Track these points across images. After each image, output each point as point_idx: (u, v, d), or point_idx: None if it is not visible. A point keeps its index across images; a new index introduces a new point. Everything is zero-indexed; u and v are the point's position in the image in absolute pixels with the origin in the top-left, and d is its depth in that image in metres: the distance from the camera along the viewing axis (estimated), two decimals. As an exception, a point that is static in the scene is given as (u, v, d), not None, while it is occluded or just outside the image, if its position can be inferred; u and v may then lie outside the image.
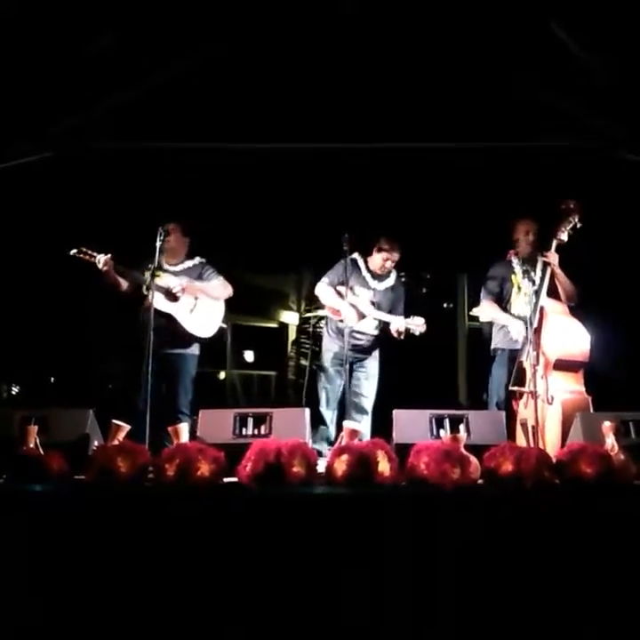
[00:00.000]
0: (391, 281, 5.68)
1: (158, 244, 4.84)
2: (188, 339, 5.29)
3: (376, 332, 5.61)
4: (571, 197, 5.03)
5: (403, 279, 5.50)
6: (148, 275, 5.05)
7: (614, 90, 5.37)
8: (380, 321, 5.56)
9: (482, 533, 3.32)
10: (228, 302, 5.55)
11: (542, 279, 4.89)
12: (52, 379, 7.74)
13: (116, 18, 5.14)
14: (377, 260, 5.60)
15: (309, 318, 5.78)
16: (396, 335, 5.46)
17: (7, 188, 5.74)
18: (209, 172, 6.30)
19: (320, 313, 5.70)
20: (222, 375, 10.59)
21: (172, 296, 5.20)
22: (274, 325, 10.59)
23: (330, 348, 5.60)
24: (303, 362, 9.20)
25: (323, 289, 5.62)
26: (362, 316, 5.49)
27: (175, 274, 5.32)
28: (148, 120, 5.68)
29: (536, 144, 5.85)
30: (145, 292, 5.16)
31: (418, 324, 5.41)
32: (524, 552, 3.29)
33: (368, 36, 5.32)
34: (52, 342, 7.08)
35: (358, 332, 5.50)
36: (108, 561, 3.35)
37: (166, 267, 5.33)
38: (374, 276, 5.56)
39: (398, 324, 5.42)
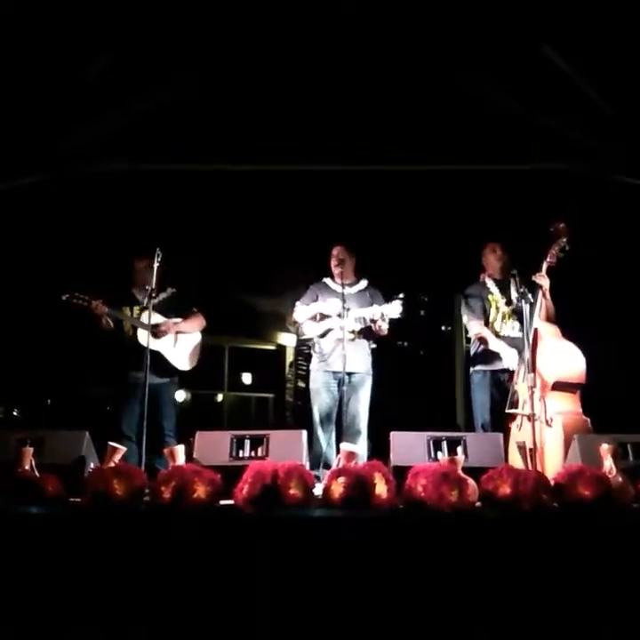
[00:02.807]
0: (362, 285, 5.68)
1: (156, 265, 4.87)
2: (173, 370, 5.52)
3: (363, 342, 5.54)
4: (560, 219, 5.08)
5: (402, 301, 5.42)
6: (130, 309, 5.43)
7: (610, 112, 5.41)
8: (362, 321, 5.51)
9: (480, 556, 3.30)
10: (226, 325, 5.62)
11: (530, 302, 4.90)
12: (49, 401, 7.73)
13: (114, 40, 5.17)
14: (332, 266, 5.62)
15: (307, 340, 5.74)
16: (375, 328, 5.42)
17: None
18: (206, 196, 6.34)
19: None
20: (220, 397, 10.58)
21: (156, 334, 5.36)
22: (271, 348, 10.60)
23: (318, 367, 5.57)
24: (301, 384, 9.20)
25: (298, 310, 5.65)
26: (340, 311, 5.38)
27: (154, 308, 5.39)
28: (142, 143, 5.73)
29: (531, 167, 5.90)
30: (125, 327, 5.43)
31: (393, 308, 5.34)
32: (523, 574, 3.27)
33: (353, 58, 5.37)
34: (48, 365, 7.08)
35: (343, 344, 5.38)
36: (104, 584, 3.32)
37: (141, 299, 5.46)
38: (342, 285, 5.50)
39: (372, 312, 5.40)
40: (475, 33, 5.18)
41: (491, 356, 5.30)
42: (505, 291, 5.41)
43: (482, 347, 5.39)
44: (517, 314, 5.22)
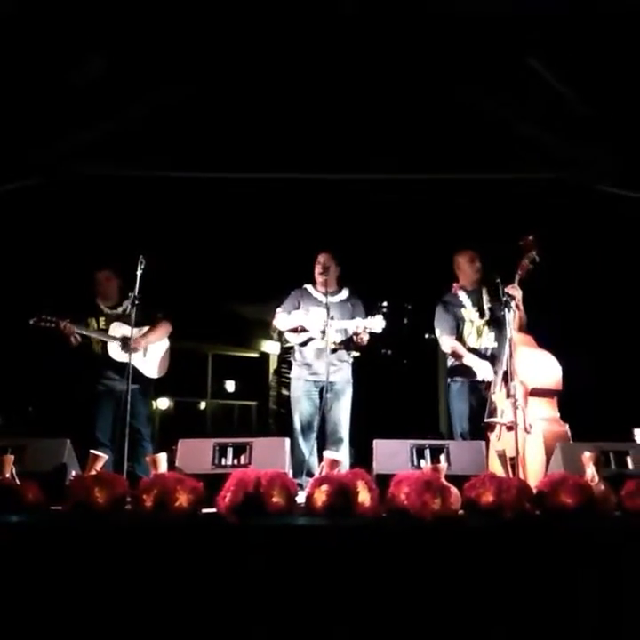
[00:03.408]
0: (344, 294, 5.66)
1: (139, 272, 4.85)
2: (145, 380, 5.57)
3: (343, 351, 5.52)
4: (529, 232, 5.12)
5: (385, 310, 5.44)
6: (95, 320, 5.51)
7: (593, 122, 5.45)
8: (344, 333, 5.51)
9: (463, 564, 3.30)
10: (210, 332, 5.64)
11: (508, 313, 4.92)
12: (31, 408, 7.66)
13: (107, 43, 5.14)
14: (316, 273, 5.59)
15: (291, 348, 5.73)
16: (356, 340, 5.42)
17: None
18: (188, 203, 6.33)
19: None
20: (203, 405, 10.55)
21: (127, 347, 5.32)
22: (255, 355, 10.58)
23: (299, 375, 5.56)
24: (285, 391, 9.18)
25: (278, 317, 5.63)
26: (323, 327, 5.39)
27: (118, 318, 5.51)
28: (124, 149, 5.72)
29: (511, 176, 5.94)
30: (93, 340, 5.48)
31: (376, 323, 5.33)
32: (506, 582, 3.28)
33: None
34: (29, 372, 7.03)
35: (325, 353, 5.36)
36: (85, 592, 3.30)
37: (105, 310, 5.58)
38: (324, 293, 5.50)
39: (355, 325, 5.40)
40: (464, 43, 5.19)
41: (468, 368, 5.32)
42: (477, 302, 5.43)
43: (457, 362, 5.41)
44: (492, 324, 5.26)
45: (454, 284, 5.58)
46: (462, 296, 5.51)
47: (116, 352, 5.40)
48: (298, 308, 5.57)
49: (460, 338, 5.42)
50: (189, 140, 5.77)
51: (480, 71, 5.40)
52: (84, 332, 5.40)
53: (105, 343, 5.40)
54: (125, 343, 5.36)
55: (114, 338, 5.38)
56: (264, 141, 5.78)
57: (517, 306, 5.05)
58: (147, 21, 5.01)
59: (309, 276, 5.67)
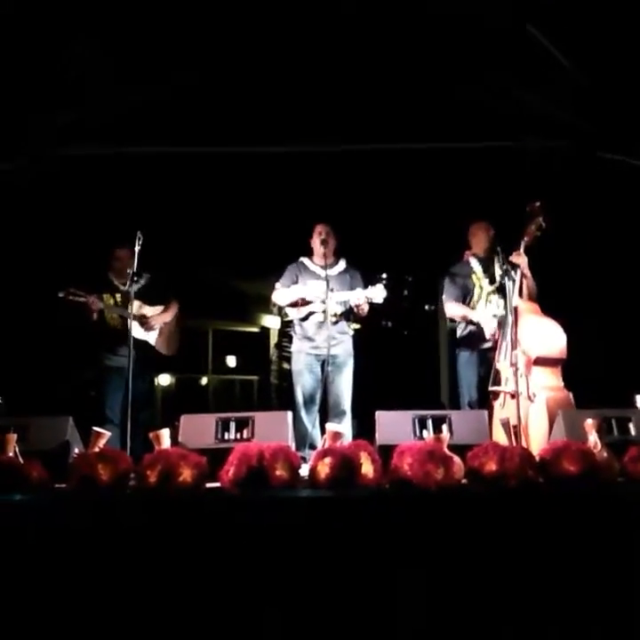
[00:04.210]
0: (342, 266, 5.64)
1: (137, 249, 4.84)
2: (157, 359, 5.75)
3: (343, 323, 5.52)
4: (536, 198, 5.09)
5: (385, 281, 5.43)
6: (111, 296, 5.58)
7: (590, 89, 5.40)
8: (344, 304, 5.49)
9: (466, 533, 3.31)
10: (210, 308, 5.72)
11: (512, 279, 4.93)
12: (33, 387, 7.66)
13: (96, 25, 5.08)
14: (315, 245, 5.58)
15: (291, 322, 5.72)
16: (357, 311, 5.43)
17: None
18: (186, 178, 6.29)
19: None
20: (204, 381, 10.57)
21: (145, 325, 5.60)
22: (255, 330, 10.57)
23: (300, 348, 5.55)
24: (286, 365, 9.20)
25: (277, 293, 5.62)
26: (323, 299, 5.36)
27: (135, 295, 5.43)
28: (119, 126, 5.68)
29: (510, 144, 5.90)
30: (108, 316, 5.59)
31: (376, 292, 5.34)
32: (510, 551, 3.28)
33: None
34: (30, 350, 7.03)
35: (325, 326, 5.33)
36: (91, 570, 3.30)
37: (120, 287, 5.62)
38: (322, 266, 5.49)
39: (356, 296, 5.39)
40: (464, 17, 5.13)
41: (477, 338, 5.34)
42: (488, 269, 5.43)
43: (468, 328, 5.41)
44: (501, 291, 5.25)
45: (466, 251, 5.56)
46: (473, 262, 5.52)
47: (135, 330, 5.45)
48: (296, 282, 5.56)
49: (469, 302, 5.43)
50: (188, 115, 5.72)
51: (481, 43, 5.32)
52: (112, 310, 5.52)
53: (124, 320, 5.42)
54: (143, 321, 5.56)
55: (129, 314, 5.31)
56: (259, 115, 5.72)
57: (524, 273, 5.04)
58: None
59: (305, 248, 5.64)
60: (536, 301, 5.10)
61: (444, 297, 5.57)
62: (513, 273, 4.82)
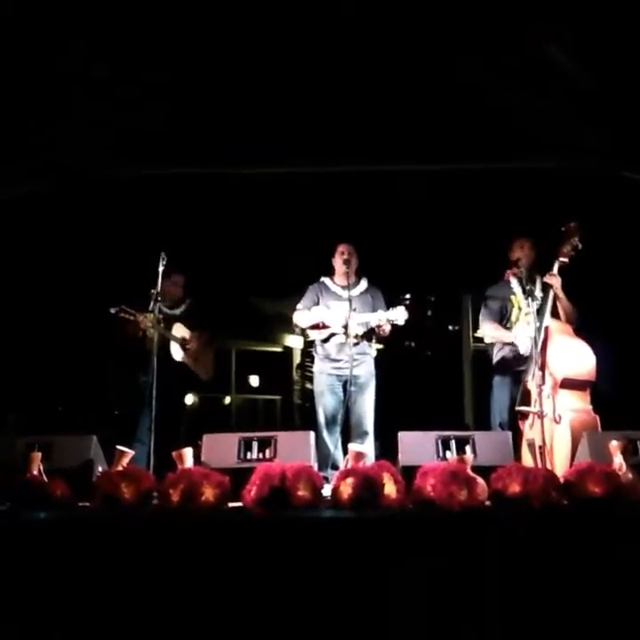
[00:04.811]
0: (363, 285, 5.64)
1: (161, 269, 4.87)
2: (193, 382, 5.91)
3: (365, 344, 5.51)
4: (572, 218, 5.04)
5: (407, 302, 5.41)
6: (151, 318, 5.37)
7: (609, 106, 5.36)
8: (366, 325, 5.47)
9: (491, 555, 3.28)
10: (233, 328, 5.80)
11: (545, 299, 4.89)
12: (61, 408, 7.71)
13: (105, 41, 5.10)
14: (337, 265, 5.58)
15: (313, 342, 5.72)
16: (379, 331, 5.41)
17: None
18: (209, 199, 6.33)
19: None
20: (227, 400, 10.57)
21: (185, 347, 5.74)
22: (278, 349, 10.58)
23: (322, 369, 5.55)
24: (308, 385, 9.16)
25: (298, 314, 5.62)
26: (345, 321, 5.34)
27: (176, 318, 5.74)
28: (142, 147, 5.72)
29: (537, 165, 5.87)
30: (150, 335, 5.43)
31: (398, 314, 5.32)
32: (534, 572, 3.26)
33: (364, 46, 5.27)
34: (56, 368, 7.09)
35: (347, 346, 5.32)
36: (113, 588, 3.32)
37: (165, 310, 5.61)
38: (344, 287, 5.50)
39: (377, 317, 5.38)
40: (470, 25, 5.09)
41: (512, 360, 5.27)
42: (528, 289, 5.29)
43: (502, 351, 5.34)
44: (540, 312, 5.16)
45: (507, 271, 5.48)
46: (514, 283, 5.41)
47: (176, 352, 5.66)
48: (317, 303, 5.56)
49: (507, 323, 5.37)
50: (207, 135, 5.75)
51: (490, 51, 5.30)
52: (160, 332, 5.30)
53: (163, 341, 5.45)
54: (184, 345, 5.70)
55: (174, 337, 5.59)
56: (283, 135, 5.74)
57: (557, 294, 4.98)
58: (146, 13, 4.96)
59: (327, 268, 5.65)
60: (573, 323, 5.03)
61: (480, 318, 5.51)
62: (534, 293, 4.80)
